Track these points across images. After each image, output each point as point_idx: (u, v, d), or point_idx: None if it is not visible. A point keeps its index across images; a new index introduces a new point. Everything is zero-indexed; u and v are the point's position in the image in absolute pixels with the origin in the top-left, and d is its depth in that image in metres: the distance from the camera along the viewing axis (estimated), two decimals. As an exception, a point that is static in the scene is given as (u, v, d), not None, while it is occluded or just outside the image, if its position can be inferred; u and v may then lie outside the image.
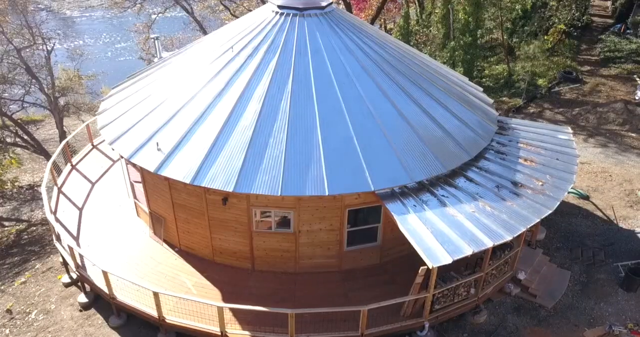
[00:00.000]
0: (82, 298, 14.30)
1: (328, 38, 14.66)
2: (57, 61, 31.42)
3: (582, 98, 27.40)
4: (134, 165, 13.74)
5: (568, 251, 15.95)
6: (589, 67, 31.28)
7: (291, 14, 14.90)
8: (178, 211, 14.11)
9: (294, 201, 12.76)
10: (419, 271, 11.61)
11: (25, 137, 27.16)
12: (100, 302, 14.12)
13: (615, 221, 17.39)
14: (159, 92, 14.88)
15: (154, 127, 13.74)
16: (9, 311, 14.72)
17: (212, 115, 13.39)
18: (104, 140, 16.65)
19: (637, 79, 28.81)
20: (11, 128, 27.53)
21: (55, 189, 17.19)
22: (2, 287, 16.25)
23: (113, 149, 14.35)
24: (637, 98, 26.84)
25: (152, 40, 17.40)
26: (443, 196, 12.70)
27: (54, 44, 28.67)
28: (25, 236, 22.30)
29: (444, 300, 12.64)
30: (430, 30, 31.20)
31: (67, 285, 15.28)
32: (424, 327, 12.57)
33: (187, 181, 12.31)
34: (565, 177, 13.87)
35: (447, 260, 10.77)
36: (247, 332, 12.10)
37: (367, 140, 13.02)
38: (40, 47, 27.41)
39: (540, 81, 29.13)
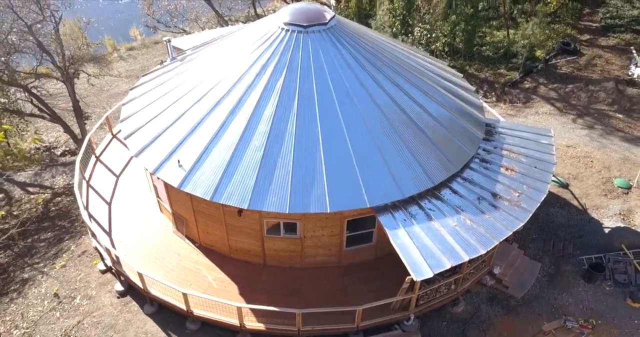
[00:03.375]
0: (119, 286, 16.66)
1: (330, 55, 15.75)
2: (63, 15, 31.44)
3: (577, 72, 28.30)
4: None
5: (542, 242, 18.02)
6: (588, 36, 31.75)
7: (296, 31, 15.89)
8: (198, 215, 16.08)
9: (299, 214, 14.60)
10: (406, 279, 13.74)
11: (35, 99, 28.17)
12: (135, 290, 16.47)
13: (587, 212, 19.29)
14: (177, 103, 16.18)
15: (174, 141, 15.26)
16: (56, 295, 17.17)
17: (226, 134, 14.85)
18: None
19: (634, 51, 29.43)
20: (25, 95, 28.59)
21: (84, 184, 19.03)
22: (45, 270, 18.64)
23: (138, 161, 15.97)
24: (630, 73, 27.74)
25: (165, 42, 18.40)
26: (430, 209, 14.52)
27: (61, 15, 29.08)
28: (53, 208, 24.34)
29: (427, 297, 14.92)
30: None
31: (103, 272, 17.63)
32: (410, 318, 14.98)
33: (207, 198, 14.10)
34: (540, 187, 15.55)
35: (429, 274, 12.83)
36: (261, 325, 14.54)
37: (364, 157, 14.60)
38: (49, 20, 27.93)
39: (538, 52, 29.78)
